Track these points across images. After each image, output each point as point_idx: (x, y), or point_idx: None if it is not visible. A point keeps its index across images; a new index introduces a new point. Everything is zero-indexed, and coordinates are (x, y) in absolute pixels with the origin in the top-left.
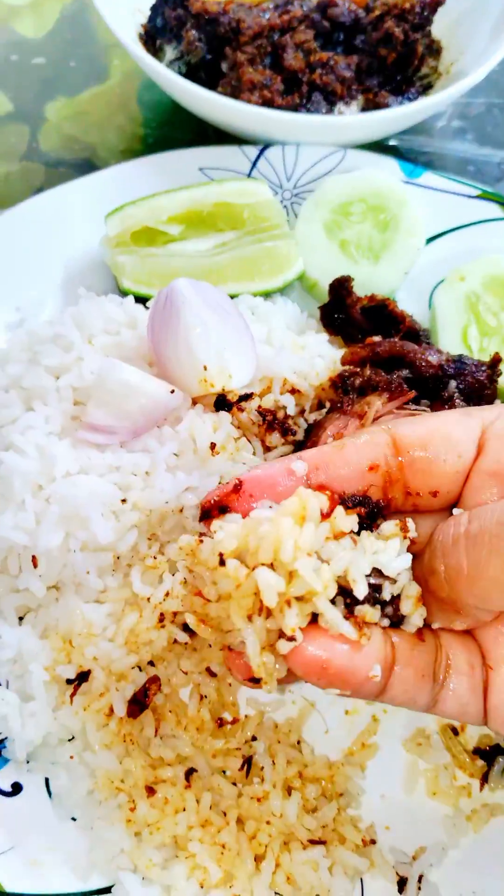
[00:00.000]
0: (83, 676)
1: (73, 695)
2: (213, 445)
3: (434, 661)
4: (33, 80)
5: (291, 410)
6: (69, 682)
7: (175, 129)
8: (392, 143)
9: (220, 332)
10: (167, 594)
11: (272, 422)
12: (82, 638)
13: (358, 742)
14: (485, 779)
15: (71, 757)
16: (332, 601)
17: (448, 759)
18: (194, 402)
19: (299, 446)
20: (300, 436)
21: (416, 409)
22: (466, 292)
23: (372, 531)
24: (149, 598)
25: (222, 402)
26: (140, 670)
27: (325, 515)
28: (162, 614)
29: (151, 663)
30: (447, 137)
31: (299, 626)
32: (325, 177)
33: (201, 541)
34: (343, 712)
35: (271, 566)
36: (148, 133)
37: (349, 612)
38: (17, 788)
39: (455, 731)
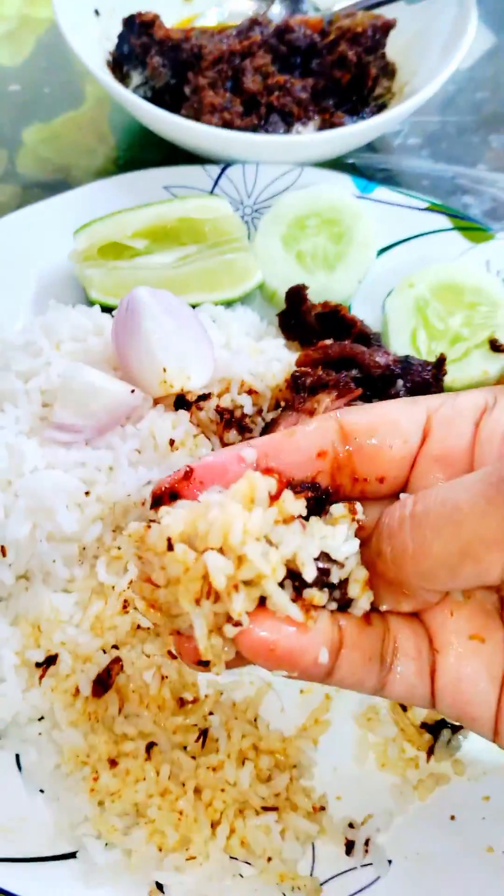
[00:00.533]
0: (51, 660)
1: (41, 677)
2: (171, 442)
3: (382, 645)
4: (10, 106)
5: (249, 410)
6: (38, 665)
7: (145, 151)
8: (350, 160)
9: (178, 337)
10: (131, 582)
11: (230, 420)
12: (50, 624)
13: (311, 718)
14: (430, 751)
15: (39, 734)
16: (281, 585)
17: (397, 733)
18: (156, 403)
19: None
20: (256, 433)
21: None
22: (416, 298)
23: (321, 517)
24: (113, 587)
25: (181, 402)
26: (104, 653)
27: (274, 498)
28: (126, 601)
29: (115, 647)
30: (403, 154)
31: (247, 609)
32: (282, 193)
33: (149, 526)
34: (298, 691)
35: (220, 550)
36: (119, 155)
37: (297, 596)
38: None
39: (404, 708)
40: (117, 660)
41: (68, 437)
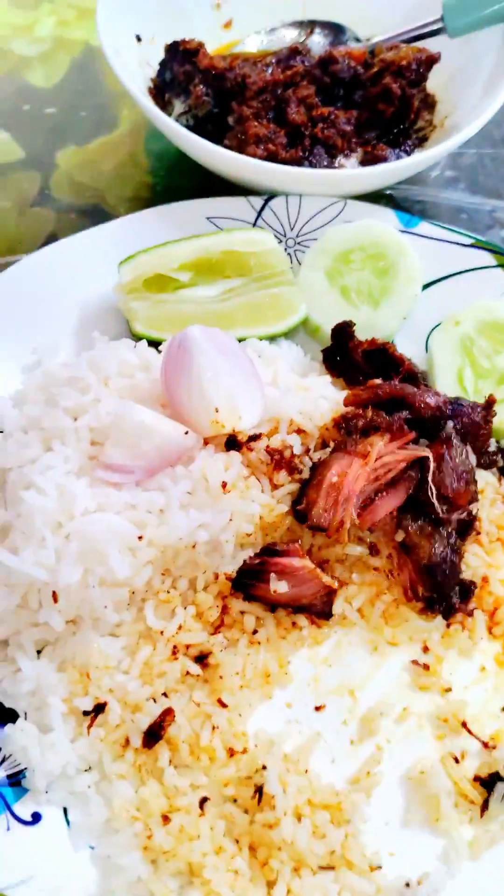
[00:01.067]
0: (99, 708)
1: (90, 726)
2: (224, 484)
3: None
4: (45, 128)
5: (297, 450)
6: (86, 713)
7: (181, 178)
8: (388, 192)
9: (230, 376)
10: (180, 627)
11: (279, 461)
12: (98, 671)
13: (363, 770)
14: (485, 805)
15: (88, 787)
16: None
17: (450, 787)
18: (206, 443)
19: (304, 484)
20: (305, 474)
21: (415, 449)
22: (461, 336)
23: None
24: (162, 632)
25: (233, 443)
26: (154, 702)
27: None
28: (175, 647)
29: (165, 695)
30: (440, 186)
31: None
32: (326, 226)
33: None
34: (348, 742)
35: None
36: (155, 181)
37: None
38: (36, 818)
39: (456, 760)
40: (169, 710)
41: (119, 478)
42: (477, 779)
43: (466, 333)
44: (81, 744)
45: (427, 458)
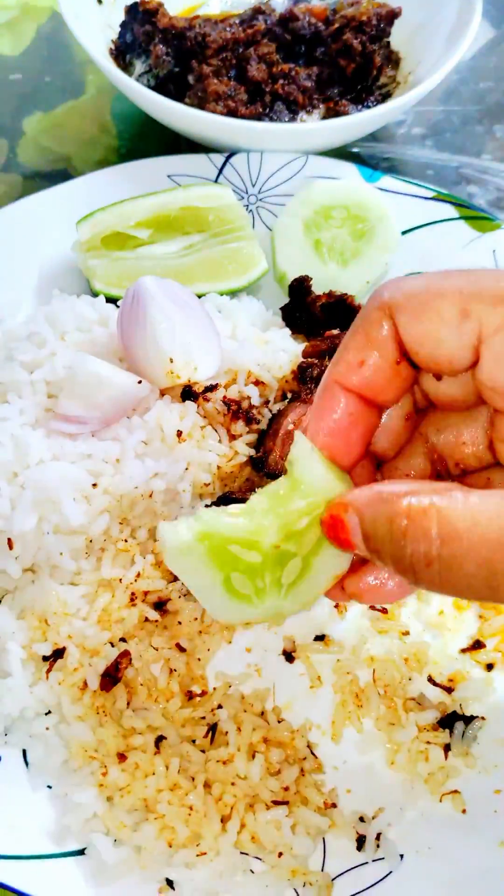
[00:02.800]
0: (58, 653)
1: (48, 671)
2: (179, 433)
3: None
4: (10, 95)
5: (256, 401)
6: (45, 658)
7: (148, 141)
8: (355, 150)
9: (185, 327)
10: (138, 575)
11: (237, 411)
12: (57, 617)
13: (321, 713)
14: (447, 747)
15: (47, 729)
16: None
17: (413, 732)
18: (162, 394)
19: (262, 434)
20: (263, 425)
21: None
22: (303, 220)
23: None
24: (121, 580)
25: (189, 393)
26: (112, 646)
27: None
28: (133, 594)
29: (123, 640)
30: (408, 144)
31: None
32: (287, 182)
33: None
34: (307, 686)
35: None
36: (122, 144)
37: None
38: None
39: (418, 703)
40: (126, 653)
41: (74, 429)
42: (438, 721)
43: (307, 217)
44: (41, 688)
45: None
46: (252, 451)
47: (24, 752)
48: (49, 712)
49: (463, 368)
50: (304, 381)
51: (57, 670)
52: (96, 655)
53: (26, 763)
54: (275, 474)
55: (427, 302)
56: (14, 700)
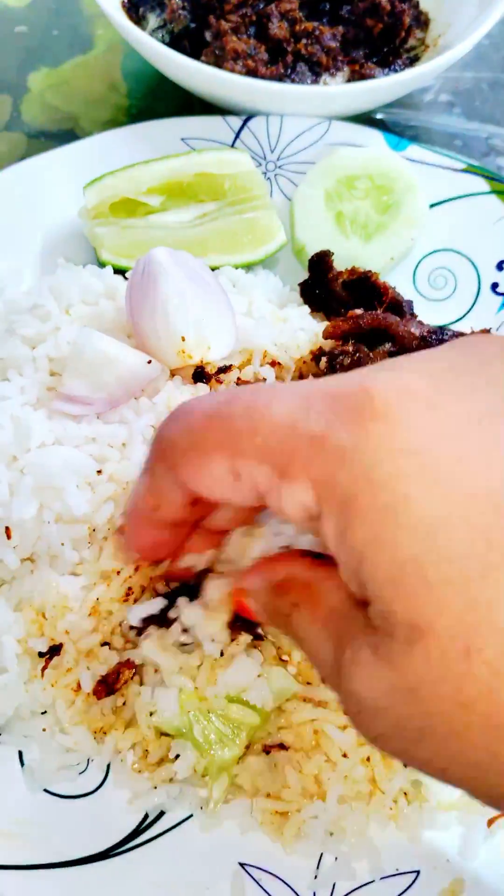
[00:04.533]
0: (54, 650)
1: (44, 668)
2: None
3: None
4: (15, 49)
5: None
6: (41, 655)
7: (159, 101)
8: (379, 116)
9: (198, 303)
10: (137, 568)
11: None
12: (56, 610)
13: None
14: None
15: (44, 730)
16: None
17: None
18: (172, 374)
19: None
20: None
21: None
22: (325, 190)
23: None
24: (118, 572)
25: (201, 375)
26: (109, 647)
27: None
28: (130, 588)
29: (129, 642)
30: (434, 112)
31: None
32: (309, 149)
33: None
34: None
35: None
36: (132, 104)
37: None
38: None
39: None
40: (129, 663)
41: (78, 410)
42: None
43: (328, 187)
44: (36, 686)
45: None
46: None
47: (21, 753)
48: (45, 712)
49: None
50: (334, 368)
51: (53, 667)
52: (94, 659)
53: (22, 763)
54: None
55: (197, 461)
56: (9, 698)
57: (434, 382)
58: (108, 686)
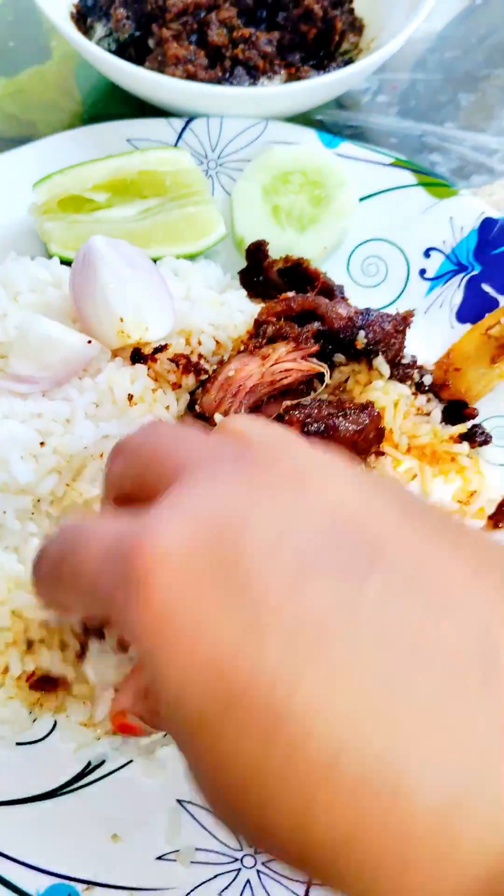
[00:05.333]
0: None
1: None
2: (130, 397)
3: None
4: None
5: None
6: None
7: (112, 107)
8: (319, 117)
9: (136, 287)
10: None
11: (187, 364)
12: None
13: None
14: None
15: None
16: None
17: None
18: (114, 355)
19: (203, 381)
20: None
21: (317, 364)
22: (262, 185)
23: None
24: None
25: (138, 355)
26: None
27: None
28: None
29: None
30: (372, 111)
31: None
32: (247, 148)
33: None
34: None
35: None
36: (86, 110)
37: None
38: None
39: None
40: (64, 683)
41: (25, 388)
42: None
43: (265, 182)
44: None
45: (323, 374)
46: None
47: None
48: None
49: None
50: (258, 335)
51: None
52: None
53: None
54: (205, 417)
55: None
56: None
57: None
58: (42, 686)
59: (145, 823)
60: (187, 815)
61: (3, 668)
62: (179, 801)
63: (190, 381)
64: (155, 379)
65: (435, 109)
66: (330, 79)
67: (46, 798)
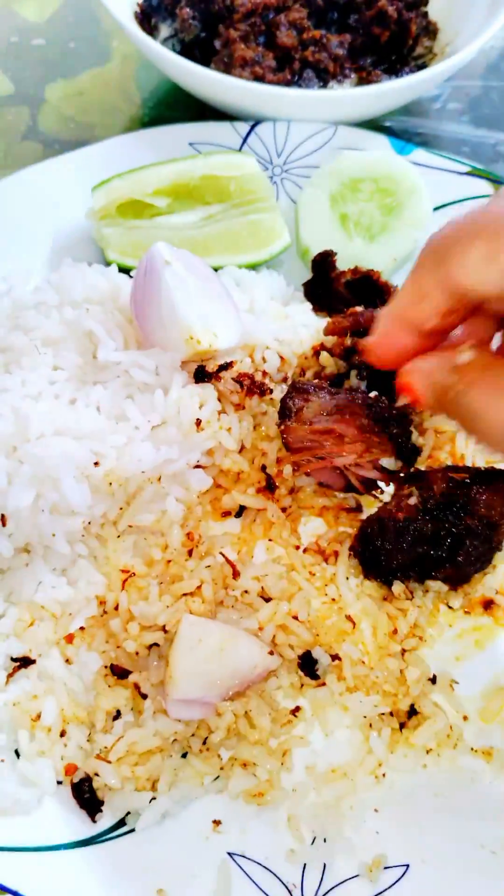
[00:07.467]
0: (25, 662)
1: (8, 677)
2: (198, 422)
3: None
4: (33, 61)
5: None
6: (13, 659)
7: (172, 110)
8: (388, 123)
9: (202, 296)
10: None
11: (251, 385)
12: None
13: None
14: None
15: (2, 761)
16: None
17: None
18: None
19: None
20: (277, 395)
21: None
22: (331, 192)
23: None
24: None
25: (202, 373)
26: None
27: None
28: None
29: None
30: (443, 119)
31: None
32: (315, 153)
33: None
34: None
35: None
36: (145, 113)
37: None
38: None
39: None
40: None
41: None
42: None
43: (333, 189)
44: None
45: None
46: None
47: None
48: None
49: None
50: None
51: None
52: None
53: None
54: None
55: (460, 249)
56: None
57: None
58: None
59: (193, 877)
60: (238, 869)
61: (35, 716)
62: (230, 854)
63: (254, 403)
64: (218, 399)
65: None
66: (403, 83)
67: (83, 845)
